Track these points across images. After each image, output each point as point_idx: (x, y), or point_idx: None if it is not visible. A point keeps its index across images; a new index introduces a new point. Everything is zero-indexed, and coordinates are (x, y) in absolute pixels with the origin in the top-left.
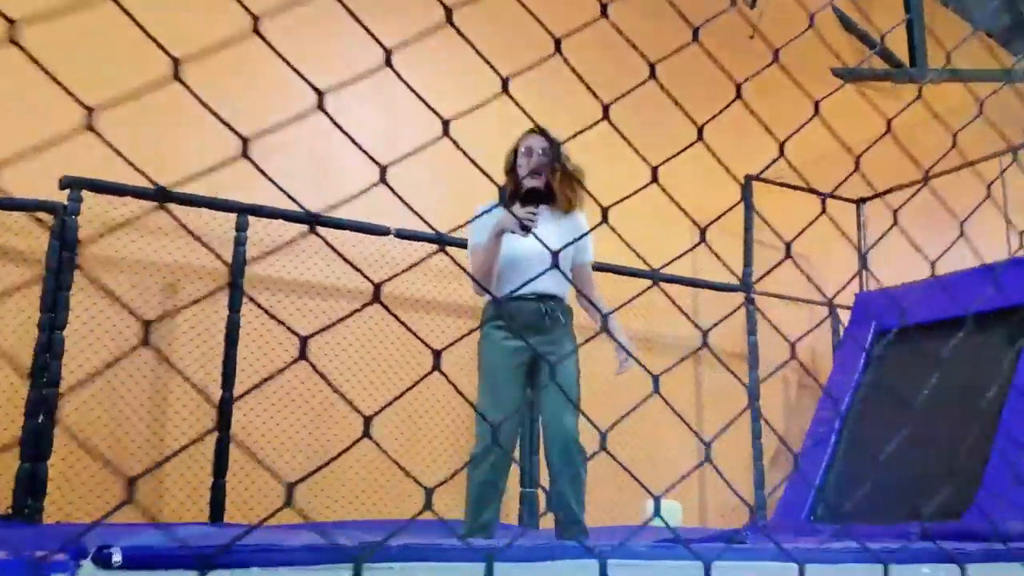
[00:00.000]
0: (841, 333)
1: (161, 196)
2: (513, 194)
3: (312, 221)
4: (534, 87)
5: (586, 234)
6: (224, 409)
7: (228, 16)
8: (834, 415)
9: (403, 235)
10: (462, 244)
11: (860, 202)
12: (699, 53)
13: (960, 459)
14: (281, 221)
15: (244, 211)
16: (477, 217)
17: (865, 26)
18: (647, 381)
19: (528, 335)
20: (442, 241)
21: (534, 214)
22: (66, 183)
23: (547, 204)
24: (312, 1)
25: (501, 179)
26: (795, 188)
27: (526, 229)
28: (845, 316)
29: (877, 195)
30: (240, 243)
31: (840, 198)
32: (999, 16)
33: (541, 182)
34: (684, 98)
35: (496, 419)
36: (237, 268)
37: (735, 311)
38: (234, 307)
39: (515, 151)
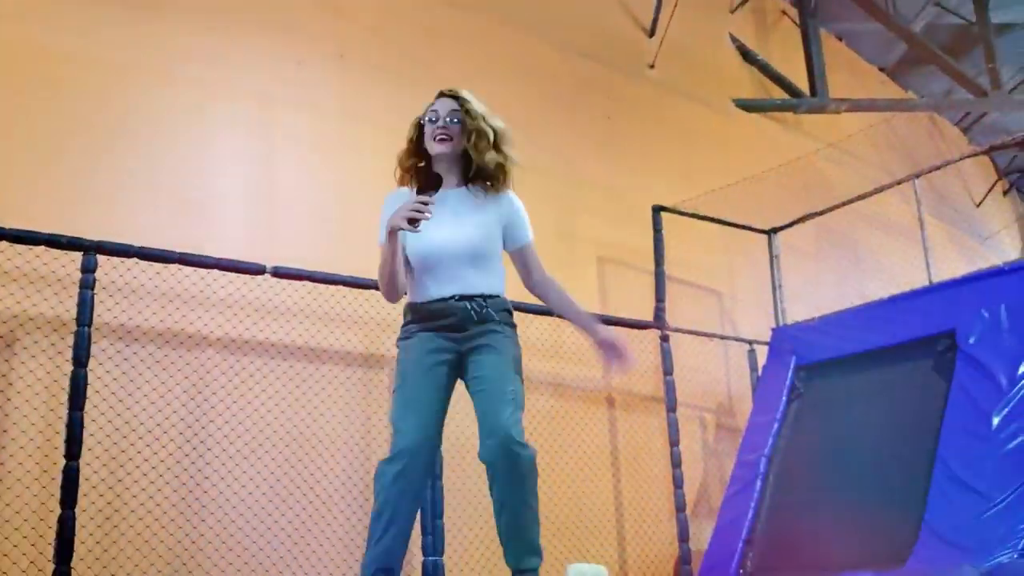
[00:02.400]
0: (760, 370)
1: None
2: (421, 171)
3: (175, 259)
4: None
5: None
6: (69, 481)
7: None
8: (757, 457)
9: (280, 273)
10: (346, 283)
11: (771, 232)
12: (600, 80)
13: (898, 499)
14: (136, 260)
15: (91, 249)
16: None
17: (764, 57)
18: (562, 427)
19: (452, 334)
20: (326, 280)
21: (424, 203)
22: None
23: (463, 188)
24: (191, 27)
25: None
26: (704, 219)
27: (413, 223)
28: (761, 352)
29: (789, 224)
30: (87, 286)
31: (751, 228)
32: (889, 51)
33: (449, 148)
34: (586, 125)
35: (406, 425)
36: (84, 315)
37: None
38: (80, 361)
39: (419, 120)
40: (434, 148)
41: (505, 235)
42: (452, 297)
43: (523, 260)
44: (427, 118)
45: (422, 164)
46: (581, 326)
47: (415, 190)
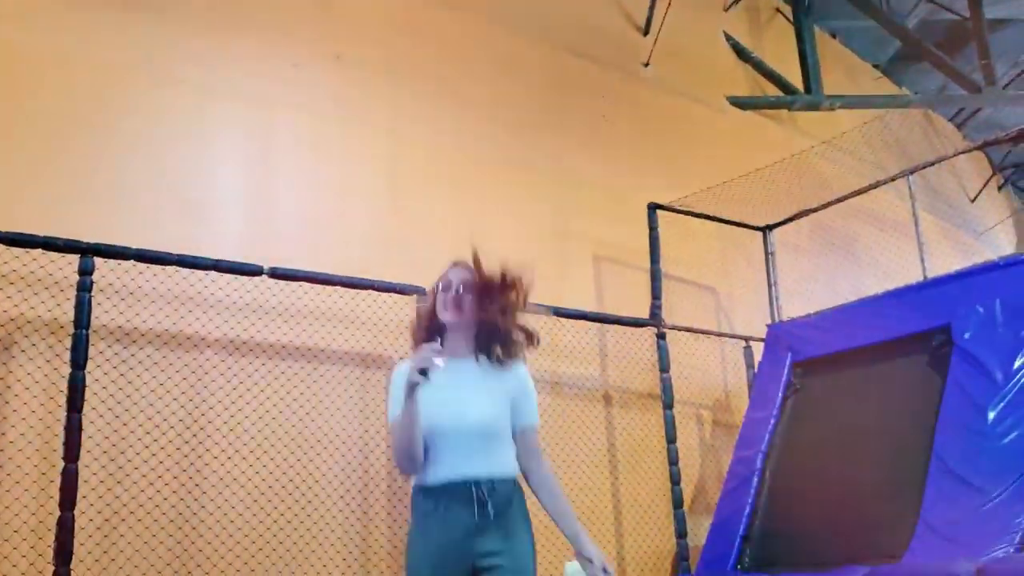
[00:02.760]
0: (756, 366)
1: None
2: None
3: (173, 261)
4: (428, 115)
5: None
6: (68, 483)
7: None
8: (754, 454)
9: (278, 274)
10: (344, 283)
11: (767, 229)
12: (594, 79)
13: (894, 494)
14: (133, 263)
15: (88, 251)
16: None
17: (758, 55)
18: (559, 425)
19: (465, 538)
20: (323, 280)
21: (434, 351)
22: None
23: (472, 359)
24: (190, 32)
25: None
26: (699, 216)
27: (424, 373)
28: (757, 349)
29: (784, 221)
30: (84, 288)
31: (746, 225)
32: (882, 48)
33: (459, 319)
34: (581, 124)
35: None
36: (81, 318)
37: None
38: (78, 363)
39: (435, 288)
40: (445, 316)
41: (511, 411)
42: (462, 482)
43: (524, 442)
44: (440, 285)
45: (435, 334)
46: (569, 538)
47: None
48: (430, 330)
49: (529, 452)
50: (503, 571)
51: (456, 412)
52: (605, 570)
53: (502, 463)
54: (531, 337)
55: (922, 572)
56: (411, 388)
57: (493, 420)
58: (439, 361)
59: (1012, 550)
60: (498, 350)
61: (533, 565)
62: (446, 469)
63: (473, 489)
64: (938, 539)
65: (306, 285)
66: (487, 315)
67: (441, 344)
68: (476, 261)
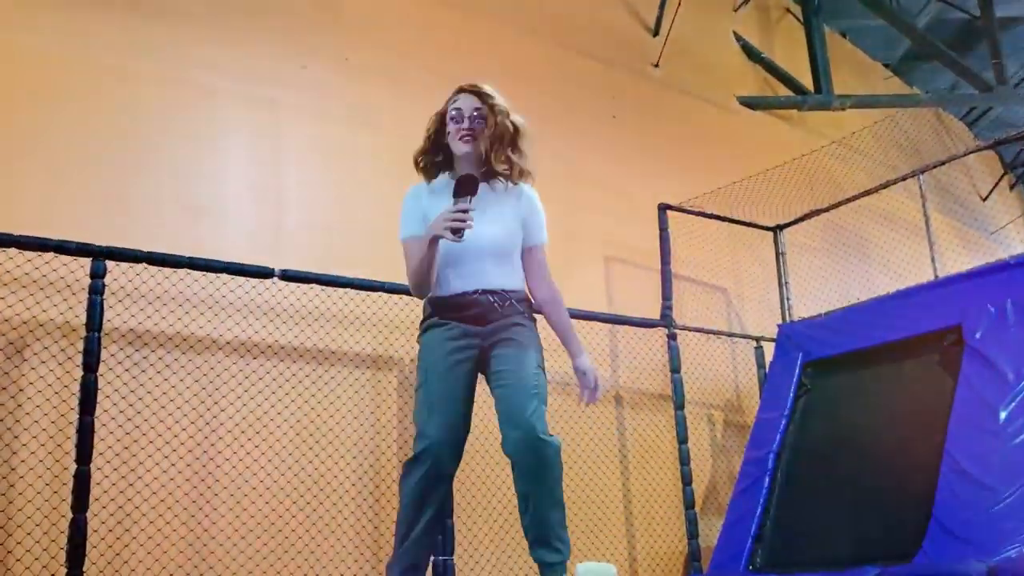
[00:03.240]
0: (767, 367)
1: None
2: (439, 166)
3: (184, 264)
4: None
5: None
6: (80, 486)
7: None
8: (765, 454)
9: (288, 276)
10: (354, 285)
11: (777, 229)
12: (604, 80)
13: (906, 494)
14: (145, 266)
15: (100, 255)
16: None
17: (768, 55)
18: (570, 426)
19: (474, 327)
20: (333, 282)
21: (466, 211)
22: None
23: (483, 182)
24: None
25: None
26: (710, 217)
27: (458, 233)
28: (768, 349)
29: (795, 221)
30: (96, 292)
31: (756, 225)
32: (893, 47)
33: (473, 147)
34: (591, 125)
35: (430, 424)
36: (93, 321)
37: None
38: (90, 366)
39: (441, 115)
40: (459, 148)
41: (522, 232)
42: (475, 292)
43: (531, 260)
44: (450, 114)
45: (439, 158)
46: (568, 348)
47: (450, 187)
48: (435, 153)
49: (537, 268)
50: (511, 343)
51: (471, 234)
52: (596, 385)
53: (513, 278)
54: (529, 171)
55: (934, 572)
56: (435, 240)
57: (505, 239)
58: (471, 223)
59: None
60: (506, 171)
61: (538, 375)
62: (460, 282)
63: (488, 297)
64: (950, 539)
65: (316, 287)
66: (494, 145)
67: (451, 169)
68: (483, 89)
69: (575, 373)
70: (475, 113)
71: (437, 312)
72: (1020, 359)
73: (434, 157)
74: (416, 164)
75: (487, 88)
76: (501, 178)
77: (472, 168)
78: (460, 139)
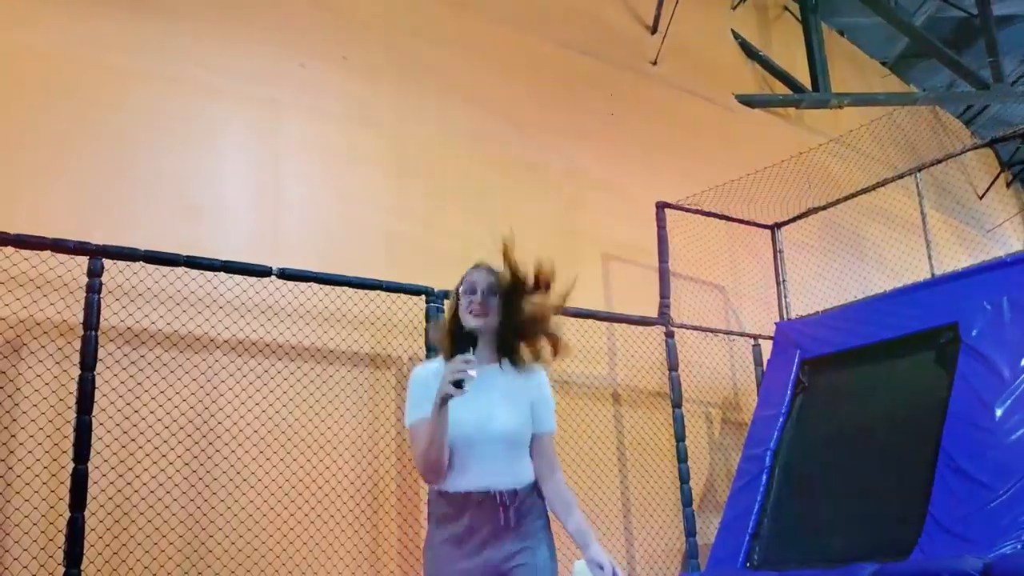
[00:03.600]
0: (764, 365)
1: None
2: (462, 345)
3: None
4: (435, 115)
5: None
6: (78, 484)
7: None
8: (763, 452)
9: (287, 275)
10: (352, 284)
11: (775, 227)
12: (602, 78)
13: (902, 491)
14: (142, 264)
15: (97, 253)
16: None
17: (766, 53)
18: (569, 425)
19: (486, 546)
20: (331, 281)
21: (468, 362)
22: None
23: (492, 362)
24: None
25: (394, 230)
26: (708, 215)
27: (459, 385)
28: (766, 347)
29: (793, 219)
30: (93, 290)
31: (754, 223)
32: (890, 45)
33: (484, 324)
34: (589, 122)
35: None
36: (90, 320)
37: None
38: (87, 365)
39: (458, 290)
40: (469, 322)
41: (532, 421)
42: (486, 492)
43: (540, 448)
44: (465, 288)
45: (462, 333)
46: (579, 542)
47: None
48: (455, 335)
49: (544, 459)
50: (525, 568)
51: (482, 420)
52: (615, 573)
53: (524, 472)
54: (557, 345)
55: (930, 569)
56: (443, 400)
57: (518, 428)
58: (473, 373)
59: (1020, 546)
60: (522, 354)
61: (553, 572)
62: (469, 477)
63: (497, 497)
64: (946, 536)
65: (315, 286)
66: (513, 319)
67: (474, 351)
68: (507, 258)
69: (588, 565)
70: (487, 288)
71: (445, 511)
72: (1016, 357)
73: (456, 338)
74: (440, 346)
75: (511, 256)
76: (517, 360)
77: (484, 344)
78: (470, 312)
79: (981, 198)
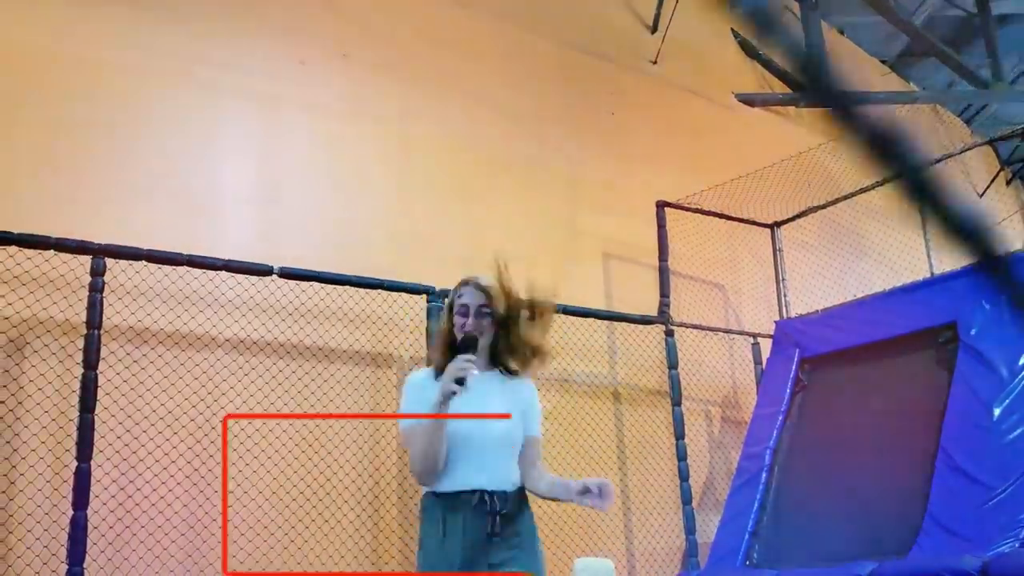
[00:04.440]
0: (764, 363)
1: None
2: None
3: (182, 261)
4: (436, 113)
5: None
6: (81, 482)
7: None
8: (762, 450)
9: (287, 274)
10: (352, 283)
11: (775, 226)
12: (603, 77)
13: (901, 490)
14: (145, 263)
15: (100, 252)
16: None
17: (766, 52)
18: (569, 423)
19: (477, 546)
20: (332, 280)
21: (470, 361)
22: None
23: (486, 362)
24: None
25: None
26: (708, 214)
27: (460, 383)
28: (765, 346)
29: (792, 218)
30: (96, 289)
31: (754, 222)
32: (890, 44)
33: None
34: (589, 121)
35: None
36: (93, 318)
37: None
38: (90, 363)
39: (451, 307)
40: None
41: (522, 425)
42: (477, 492)
43: (528, 453)
44: (457, 309)
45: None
46: (560, 489)
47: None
48: (450, 347)
49: (532, 460)
50: (515, 565)
51: (480, 422)
52: (606, 490)
53: (515, 475)
54: (544, 359)
55: (928, 567)
56: (446, 397)
57: (515, 431)
58: (475, 371)
59: (1017, 545)
60: (512, 365)
61: (542, 573)
62: (461, 478)
63: (487, 499)
64: (944, 535)
65: (316, 284)
66: (508, 340)
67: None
68: (502, 284)
69: (583, 492)
70: (479, 309)
71: (437, 512)
72: (1014, 356)
73: (450, 349)
74: (432, 359)
75: (493, 282)
76: (509, 367)
77: (484, 352)
78: (463, 331)
79: (981, 196)
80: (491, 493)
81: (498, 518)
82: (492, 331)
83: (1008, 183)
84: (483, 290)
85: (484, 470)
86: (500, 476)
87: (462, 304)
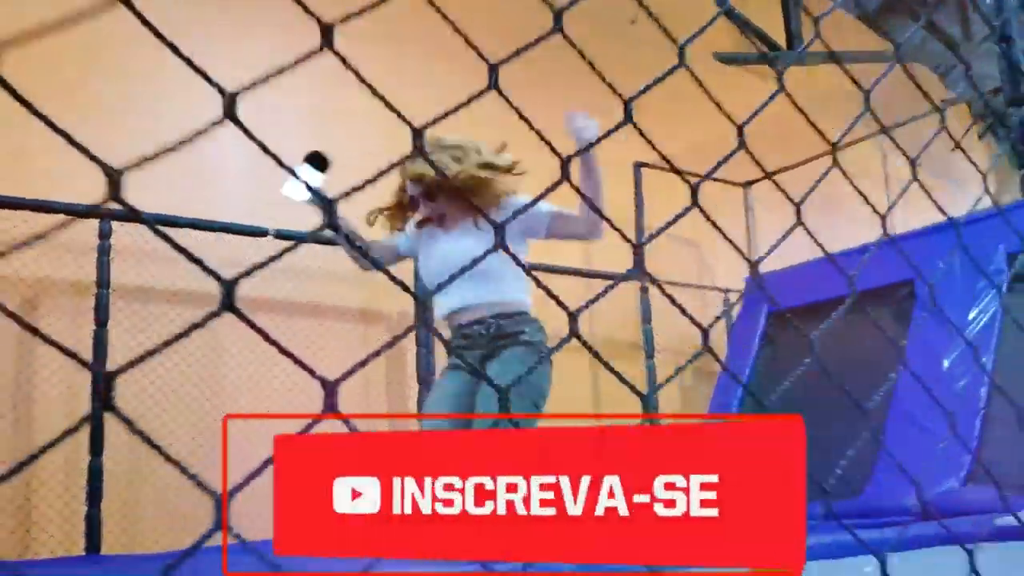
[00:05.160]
0: (734, 317)
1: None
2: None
3: (179, 223)
4: (419, 72)
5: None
6: (96, 432)
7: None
8: (730, 399)
9: (283, 236)
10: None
11: (747, 185)
12: (581, 37)
13: (860, 437)
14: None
15: (106, 216)
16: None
17: (743, 11)
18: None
19: (462, 364)
20: (325, 241)
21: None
22: None
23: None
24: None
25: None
26: (681, 173)
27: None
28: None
29: (763, 177)
30: (104, 252)
31: (726, 181)
32: (866, 1)
33: (431, 213)
34: (569, 83)
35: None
36: (102, 278)
37: None
38: (101, 320)
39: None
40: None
41: (528, 232)
42: (452, 314)
43: (558, 229)
44: (408, 195)
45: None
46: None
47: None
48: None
49: (568, 228)
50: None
51: (445, 256)
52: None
53: (485, 297)
54: (496, 169)
55: (875, 507)
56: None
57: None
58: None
59: (958, 484)
60: (472, 211)
61: (521, 372)
62: (445, 305)
63: (471, 326)
64: (895, 476)
65: (310, 244)
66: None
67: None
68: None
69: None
70: (422, 196)
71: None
72: (964, 312)
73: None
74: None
75: (419, 167)
76: (467, 219)
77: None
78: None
79: (952, 151)
80: (462, 317)
81: (474, 335)
82: (442, 203)
83: (980, 137)
84: (416, 180)
85: (456, 298)
86: (460, 300)
87: (409, 196)
